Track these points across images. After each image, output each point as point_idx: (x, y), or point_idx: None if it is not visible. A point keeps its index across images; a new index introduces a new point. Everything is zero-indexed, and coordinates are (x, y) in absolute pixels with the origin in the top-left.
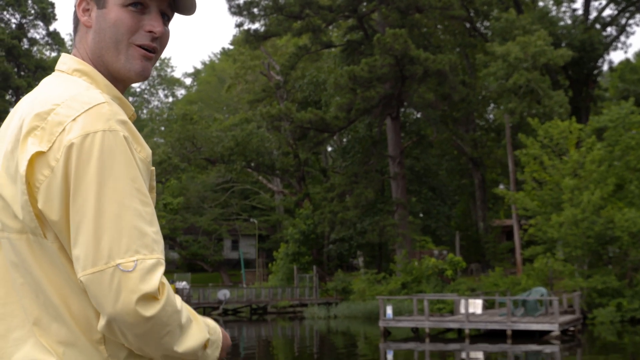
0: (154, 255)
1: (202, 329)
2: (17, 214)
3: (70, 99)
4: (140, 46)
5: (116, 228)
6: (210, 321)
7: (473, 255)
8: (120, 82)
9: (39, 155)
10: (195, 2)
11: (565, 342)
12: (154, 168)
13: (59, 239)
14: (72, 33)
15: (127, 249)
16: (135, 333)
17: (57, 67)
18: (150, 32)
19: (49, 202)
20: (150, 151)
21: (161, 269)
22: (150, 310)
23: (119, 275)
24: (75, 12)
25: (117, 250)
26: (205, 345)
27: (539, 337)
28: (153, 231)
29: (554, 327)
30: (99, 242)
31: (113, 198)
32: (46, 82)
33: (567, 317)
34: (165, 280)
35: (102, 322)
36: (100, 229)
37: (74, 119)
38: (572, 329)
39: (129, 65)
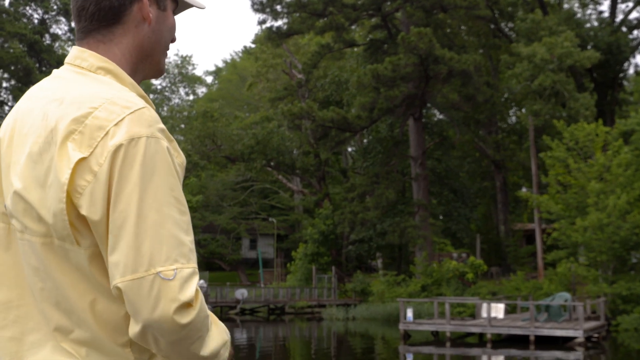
0: (191, 264)
1: (222, 331)
2: (44, 219)
3: (109, 101)
4: None
5: (157, 236)
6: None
7: (493, 259)
8: (143, 77)
9: (81, 161)
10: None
11: (589, 349)
12: None
13: (93, 246)
14: (97, 22)
15: (167, 257)
16: (170, 340)
17: (73, 62)
18: (173, 41)
19: (93, 207)
20: (184, 157)
21: (197, 278)
22: (186, 318)
23: (159, 283)
24: (123, 3)
25: (157, 258)
26: (224, 345)
27: (562, 343)
28: (189, 240)
29: (578, 334)
30: (139, 249)
31: (154, 206)
32: (68, 80)
33: (592, 324)
34: (198, 287)
35: (135, 328)
36: (141, 236)
37: (116, 124)
38: (596, 335)
39: (162, 67)
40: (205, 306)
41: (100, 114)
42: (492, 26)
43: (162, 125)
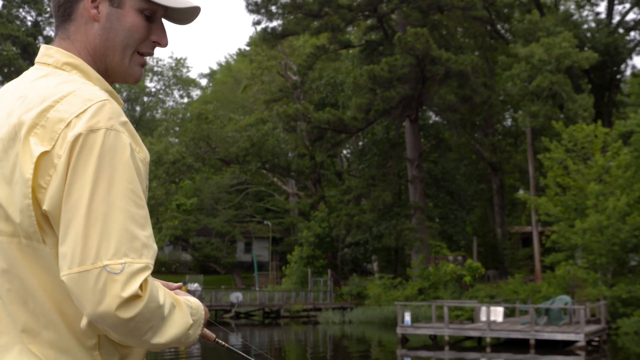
0: (142, 259)
1: (185, 315)
2: (11, 217)
3: (71, 95)
4: (141, 54)
5: (107, 229)
6: (192, 300)
7: (490, 262)
8: (112, 79)
9: (43, 155)
10: (194, 13)
11: (590, 353)
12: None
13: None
14: (56, 19)
15: (115, 251)
16: (119, 332)
17: (40, 60)
18: (156, 43)
19: (52, 200)
20: (148, 152)
21: (147, 273)
22: (130, 312)
23: (105, 276)
24: (68, 0)
25: (105, 251)
26: (188, 329)
27: (562, 347)
28: (145, 235)
29: (579, 337)
30: (87, 241)
31: (107, 198)
32: (32, 77)
33: (593, 327)
34: (149, 277)
35: (84, 321)
36: (91, 228)
37: (77, 115)
38: (596, 339)
39: (131, 71)
40: (158, 295)
41: (62, 107)
42: (489, 27)
43: (124, 119)
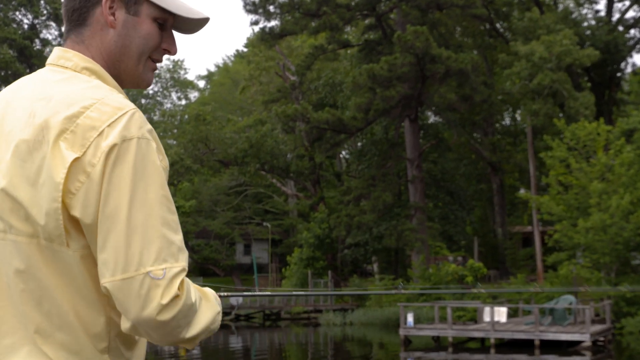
0: (179, 263)
1: (213, 305)
2: (33, 218)
3: (100, 102)
4: (153, 60)
5: (147, 236)
6: (210, 290)
7: (491, 262)
8: (124, 84)
9: (75, 161)
10: (202, 24)
11: (596, 353)
12: None
13: (82, 248)
14: (69, 23)
15: (156, 257)
16: (159, 333)
17: (56, 62)
18: (166, 51)
19: (86, 209)
20: (168, 162)
21: (183, 276)
22: (172, 312)
23: (149, 282)
24: (84, 5)
25: (147, 257)
26: (216, 316)
27: (567, 347)
28: (179, 239)
29: (585, 338)
30: (129, 249)
31: (144, 205)
32: (53, 79)
33: (598, 327)
34: (184, 278)
35: (126, 324)
36: (131, 235)
37: (109, 125)
38: (602, 339)
39: (144, 76)
40: (191, 294)
41: (93, 114)
42: (488, 26)
43: (150, 126)
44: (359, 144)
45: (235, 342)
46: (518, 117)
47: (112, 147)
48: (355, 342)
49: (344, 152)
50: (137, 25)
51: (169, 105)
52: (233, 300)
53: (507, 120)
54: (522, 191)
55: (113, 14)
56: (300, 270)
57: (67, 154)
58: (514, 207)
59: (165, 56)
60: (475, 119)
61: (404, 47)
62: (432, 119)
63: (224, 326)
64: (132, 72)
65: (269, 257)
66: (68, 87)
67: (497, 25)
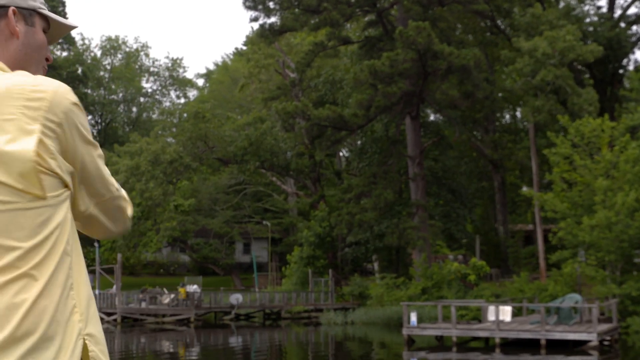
0: None
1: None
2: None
3: (34, 78)
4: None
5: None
6: None
7: (493, 260)
8: None
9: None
10: (67, 30)
11: (603, 352)
12: None
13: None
14: None
15: None
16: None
17: None
18: (48, 60)
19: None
20: None
21: None
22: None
23: None
24: None
25: None
26: None
27: (573, 347)
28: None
29: (592, 337)
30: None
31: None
32: None
33: (605, 326)
34: None
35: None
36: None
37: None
38: (608, 338)
39: None
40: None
41: (36, 87)
42: (489, 22)
43: None
44: (359, 142)
45: (235, 341)
46: (519, 115)
47: (63, 114)
48: (356, 341)
49: (343, 151)
50: (35, 35)
51: (167, 104)
52: (233, 299)
53: (507, 118)
54: (524, 189)
55: (16, 25)
56: (301, 269)
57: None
58: (516, 205)
59: (164, 54)
60: (476, 116)
61: (406, 43)
62: (432, 116)
63: (223, 325)
64: None
65: (268, 256)
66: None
67: (499, 22)
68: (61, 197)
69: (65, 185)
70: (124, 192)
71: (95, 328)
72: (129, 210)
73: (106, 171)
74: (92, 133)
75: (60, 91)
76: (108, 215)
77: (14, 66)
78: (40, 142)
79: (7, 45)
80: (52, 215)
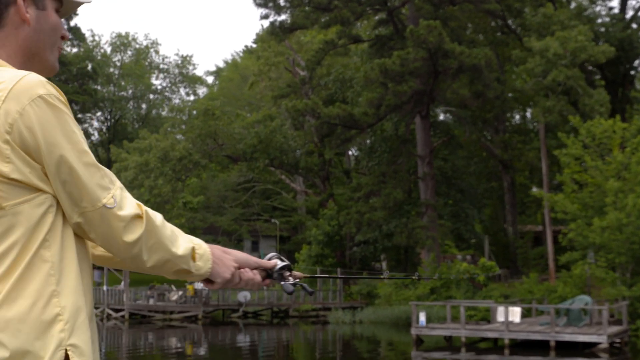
0: None
1: (186, 241)
2: None
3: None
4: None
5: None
6: (195, 238)
7: (501, 261)
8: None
9: None
10: (77, 6)
11: (613, 355)
12: None
13: None
14: None
15: None
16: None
17: None
18: (64, 38)
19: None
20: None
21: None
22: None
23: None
24: None
25: None
26: (193, 257)
27: (583, 349)
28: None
29: (602, 339)
30: None
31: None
32: None
33: (615, 328)
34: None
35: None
36: None
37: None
38: (618, 341)
39: (55, 64)
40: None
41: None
42: (499, 22)
43: (44, 84)
44: (368, 140)
45: (243, 339)
46: (528, 115)
47: (21, 112)
48: (364, 340)
49: (352, 149)
50: (47, 18)
51: (177, 101)
52: (240, 297)
53: (517, 119)
54: (534, 189)
55: (27, 12)
56: (309, 267)
57: None
58: (525, 205)
59: (174, 51)
60: (486, 116)
61: (417, 42)
62: (441, 116)
63: (231, 323)
64: (46, 62)
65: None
66: None
67: (509, 21)
68: (32, 202)
69: (39, 189)
70: (127, 211)
71: (81, 338)
72: (128, 235)
73: (89, 179)
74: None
75: (22, 85)
76: (96, 231)
77: (24, 54)
78: None
79: (17, 33)
80: (15, 223)
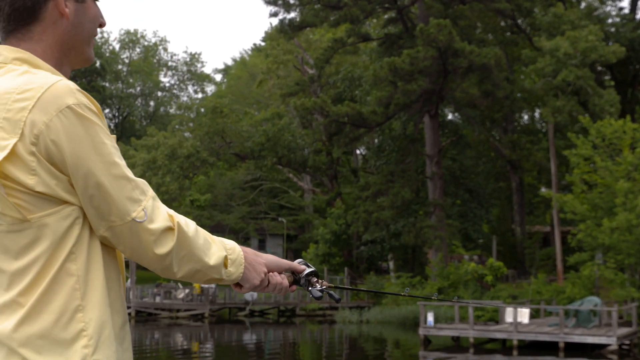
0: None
1: (219, 249)
2: None
3: (26, 81)
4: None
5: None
6: (228, 241)
7: (509, 261)
8: (73, 66)
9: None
10: None
11: (622, 357)
12: None
13: None
14: (13, 22)
15: None
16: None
17: None
18: (101, 25)
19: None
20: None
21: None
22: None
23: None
24: (37, 2)
25: None
26: (225, 264)
27: (591, 350)
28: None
29: (611, 341)
30: None
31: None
32: None
33: (624, 330)
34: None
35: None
36: None
37: (35, 104)
38: (627, 342)
39: (90, 55)
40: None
41: (22, 94)
42: (509, 21)
43: (77, 92)
44: (376, 139)
45: (249, 338)
46: (537, 115)
47: (48, 123)
48: (371, 340)
49: (360, 148)
50: (86, 10)
51: (185, 99)
52: (247, 296)
53: (525, 118)
54: (543, 190)
55: (66, 5)
56: (316, 266)
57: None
58: (533, 206)
59: (183, 49)
60: (495, 116)
61: (427, 41)
62: (450, 116)
63: (238, 321)
64: (84, 55)
65: (283, 253)
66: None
67: (519, 21)
68: (58, 214)
69: (65, 201)
70: (158, 224)
71: (106, 353)
72: (158, 248)
73: (119, 192)
74: (110, 127)
75: (51, 94)
76: (124, 244)
77: (61, 48)
78: (13, 159)
79: (54, 28)
80: (41, 236)
